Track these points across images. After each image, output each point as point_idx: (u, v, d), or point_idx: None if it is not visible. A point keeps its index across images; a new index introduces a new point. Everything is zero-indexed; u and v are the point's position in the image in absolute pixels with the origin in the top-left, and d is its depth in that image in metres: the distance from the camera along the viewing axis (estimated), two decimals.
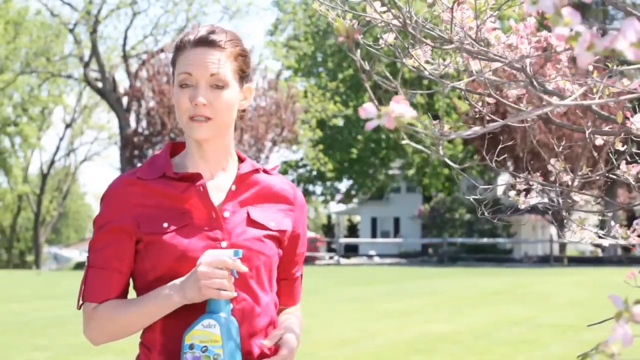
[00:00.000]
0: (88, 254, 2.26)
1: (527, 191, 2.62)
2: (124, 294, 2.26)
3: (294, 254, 2.39)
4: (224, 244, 2.20)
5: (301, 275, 2.47)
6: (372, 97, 1.11)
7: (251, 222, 2.26)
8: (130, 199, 2.22)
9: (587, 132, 2.37)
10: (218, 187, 2.28)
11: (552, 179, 2.53)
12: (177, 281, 2.15)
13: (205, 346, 2.10)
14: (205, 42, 2.21)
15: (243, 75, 2.28)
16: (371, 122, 1.11)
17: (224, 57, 2.21)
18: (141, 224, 2.20)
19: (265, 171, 2.37)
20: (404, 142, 1.12)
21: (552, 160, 2.51)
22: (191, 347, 2.11)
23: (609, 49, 1.00)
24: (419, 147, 1.10)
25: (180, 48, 2.24)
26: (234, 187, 2.28)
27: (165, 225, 2.19)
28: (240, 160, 2.35)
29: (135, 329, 2.23)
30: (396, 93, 1.18)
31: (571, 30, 1.02)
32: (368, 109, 1.11)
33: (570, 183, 2.51)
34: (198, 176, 2.24)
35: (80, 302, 2.25)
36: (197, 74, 2.19)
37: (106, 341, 2.25)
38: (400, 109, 1.09)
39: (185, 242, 2.18)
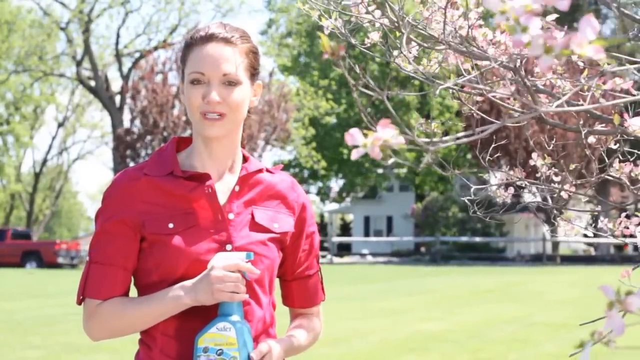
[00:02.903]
0: (91, 249, 2.22)
1: (509, 185, 2.62)
2: (127, 291, 2.23)
3: (298, 252, 2.37)
4: (228, 247, 2.19)
5: (316, 273, 2.43)
6: (360, 107, 1.10)
7: (255, 225, 2.25)
8: (136, 195, 2.19)
9: (583, 133, 2.37)
10: (223, 187, 2.26)
11: (539, 175, 2.53)
12: (187, 283, 2.13)
13: (220, 349, 2.09)
14: (217, 38, 2.18)
15: (254, 72, 2.25)
16: (357, 149, 1.10)
17: (236, 53, 2.19)
18: (146, 222, 2.17)
19: (268, 171, 2.34)
20: (390, 161, 1.11)
21: (534, 155, 2.51)
22: (205, 350, 2.10)
23: (568, 50, 0.99)
24: (406, 163, 1.09)
25: (190, 45, 2.21)
26: (237, 188, 2.25)
27: (171, 225, 2.17)
28: (245, 159, 2.33)
29: (139, 328, 2.21)
30: (388, 96, 1.18)
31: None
32: (354, 135, 1.10)
33: (554, 178, 2.51)
34: (207, 177, 2.21)
35: (81, 297, 2.22)
36: (210, 72, 2.16)
37: (107, 338, 2.23)
38: (387, 135, 1.07)
39: (191, 244, 2.16)
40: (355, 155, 1.10)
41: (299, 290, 2.41)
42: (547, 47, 1.00)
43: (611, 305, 1.07)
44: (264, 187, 2.31)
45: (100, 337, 2.24)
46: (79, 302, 2.25)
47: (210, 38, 2.18)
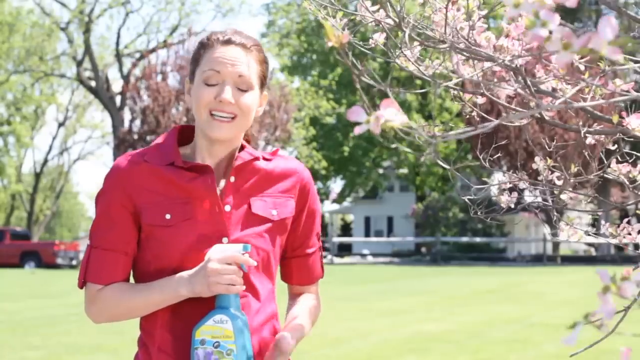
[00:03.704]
0: (92, 233, 2.24)
1: (512, 190, 2.62)
2: (128, 276, 2.25)
3: (298, 230, 2.36)
4: (224, 239, 2.19)
5: (316, 252, 2.43)
6: (363, 98, 1.10)
7: (252, 216, 2.25)
8: (136, 179, 2.20)
9: (582, 132, 2.37)
10: (220, 179, 2.27)
11: (541, 177, 2.53)
12: (184, 274, 2.14)
13: (217, 342, 2.10)
14: (235, 43, 2.21)
15: (264, 82, 2.28)
16: (360, 126, 1.10)
17: (251, 59, 2.21)
18: (143, 212, 2.18)
19: (265, 158, 2.34)
20: (393, 145, 1.12)
21: (537, 159, 2.51)
22: (202, 342, 2.11)
23: (586, 49, 1.00)
24: (408, 150, 1.09)
25: (207, 46, 2.23)
26: (232, 179, 2.26)
27: (168, 217, 2.18)
28: (241, 148, 2.33)
29: (139, 314, 2.22)
30: (386, 94, 1.18)
31: (550, 32, 1.02)
32: (356, 111, 1.10)
33: (556, 181, 2.51)
34: (207, 168, 2.22)
35: (82, 281, 2.23)
36: (225, 73, 2.18)
37: (107, 322, 2.26)
38: (389, 114, 1.08)
39: (187, 237, 2.17)
40: (357, 131, 1.11)
41: (298, 268, 2.42)
42: (565, 43, 1.01)
43: (606, 289, 1.09)
44: (261, 175, 2.30)
45: (101, 321, 2.26)
46: (81, 287, 2.26)
47: (228, 42, 2.21)
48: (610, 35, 1.00)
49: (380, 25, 2.37)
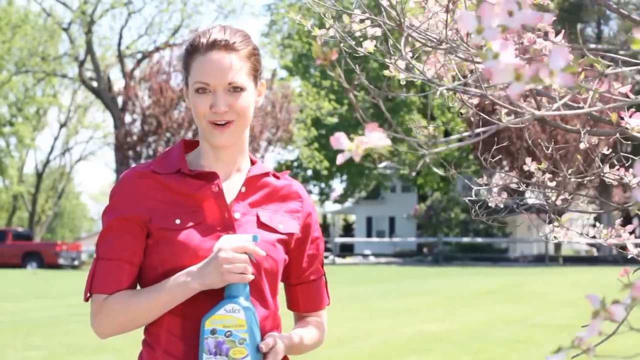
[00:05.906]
0: (97, 245, 2.23)
1: (515, 191, 2.62)
2: (134, 286, 2.24)
3: (303, 257, 2.38)
4: None
5: (320, 278, 2.45)
6: (357, 108, 1.11)
7: (261, 225, 2.26)
8: (143, 191, 2.21)
9: (582, 133, 2.38)
10: (229, 187, 2.28)
11: (535, 179, 2.53)
12: (193, 268, 2.14)
13: (229, 331, 2.10)
14: (219, 45, 2.19)
15: (256, 74, 2.28)
16: (342, 154, 1.11)
17: (238, 59, 2.20)
18: (153, 218, 2.18)
19: (275, 175, 2.36)
20: (380, 165, 1.13)
21: (528, 160, 2.52)
22: (213, 332, 2.10)
23: (537, 78, 1.00)
24: (394, 165, 1.10)
25: (192, 52, 2.22)
26: (243, 189, 2.27)
27: (178, 221, 2.18)
28: (252, 162, 2.35)
29: (147, 320, 2.20)
30: (387, 97, 1.18)
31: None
32: (339, 139, 1.11)
33: (549, 183, 2.52)
34: (214, 175, 2.24)
35: (88, 294, 2.22)
36: (215, 82, 2.18)
37: (115, 333, 2.23)
38: (374, 139, 1.08)
39: (197, 241, 2.17)
40: (340, 160, 1.11)
41: (304, 295, 2.43)
42: (517, 74, 1.01)
43: (596, 314, 1.10)
44: (270, 190, 2.33)
45: (108, 333, 2.23)
46: (87, 299, 2.25)
47: (212, 45, 2.20)
48: (562, 64, 1.00)
49: (371, 34, 2.37)
